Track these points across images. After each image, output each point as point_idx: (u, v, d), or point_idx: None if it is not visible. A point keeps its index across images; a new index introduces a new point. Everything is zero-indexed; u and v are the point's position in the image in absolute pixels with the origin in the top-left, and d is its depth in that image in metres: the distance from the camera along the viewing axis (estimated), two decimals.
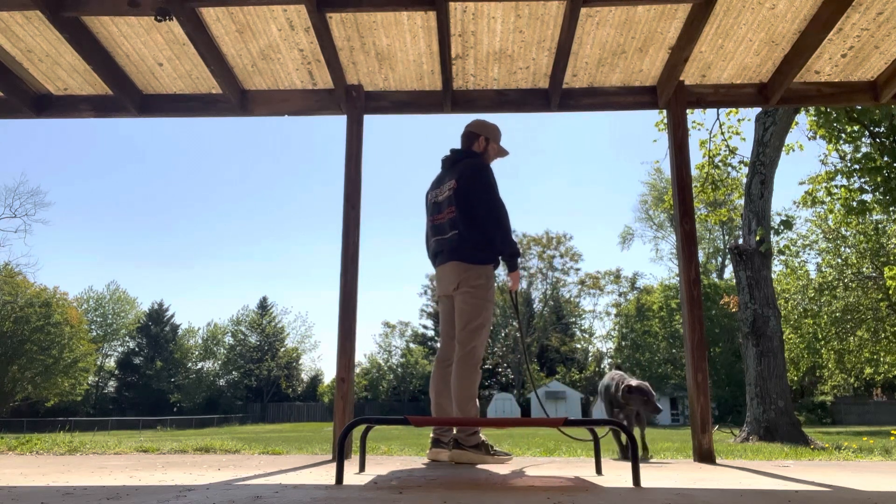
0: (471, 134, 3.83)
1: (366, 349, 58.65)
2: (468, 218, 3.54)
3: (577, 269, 50.75)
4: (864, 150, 9.93)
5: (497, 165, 3.94)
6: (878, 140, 9.68)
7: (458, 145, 3.88)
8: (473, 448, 3.44)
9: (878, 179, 9.54)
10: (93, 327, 49.60)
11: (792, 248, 19.82)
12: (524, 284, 51.77)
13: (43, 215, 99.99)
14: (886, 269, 16.18)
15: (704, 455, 3.83)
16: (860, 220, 13.41)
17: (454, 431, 3.51)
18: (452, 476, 2.89)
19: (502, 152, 3.88)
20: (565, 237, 50.58)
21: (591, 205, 79.89)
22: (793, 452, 5.46)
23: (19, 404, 39.81)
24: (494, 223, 3.51)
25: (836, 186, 10.63)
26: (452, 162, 3.77)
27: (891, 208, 10.25)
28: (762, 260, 11.06)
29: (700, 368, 3.94)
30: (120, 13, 3.56)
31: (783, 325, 18.23)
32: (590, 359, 50.84)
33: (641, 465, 3.01)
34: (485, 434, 3.58)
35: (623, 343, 44.80)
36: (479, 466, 3.33)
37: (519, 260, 3.64)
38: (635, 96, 4.38)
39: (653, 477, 2.90)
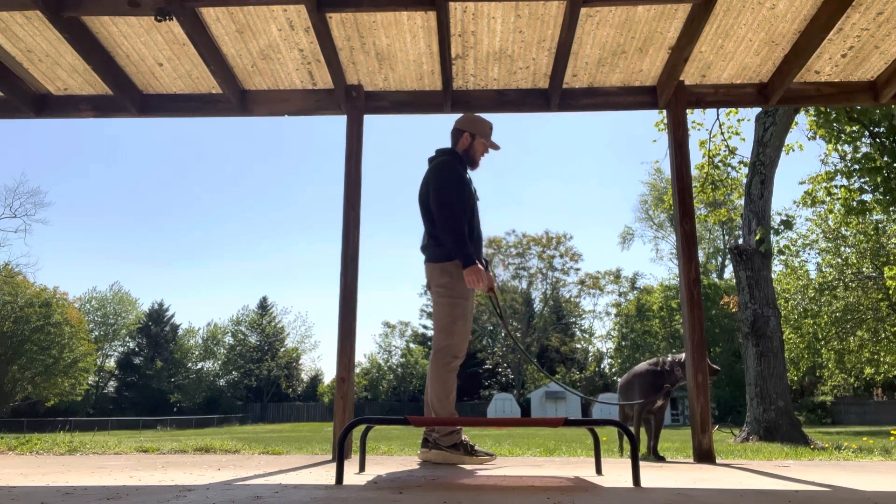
0: (456, 131, 3.79)
1: (366, 349, 58.71)
2: (428, 217, 3.58)
3: (577, 269, 50.83)
4: (864, 150, 9.93)
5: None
6: (878, 140, 9.68)
7: None
8: (451, 448, 3.43)
9: (878, 179, 9.53)
10: (93, 327, 49.63)
11: (792, 248, 19.80)
12: (524, 284, 51.77)
13: (43, 215, 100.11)
14: (886, 269, 16.19)
15: (704, 455, 3.83)
16: (860, 220, 13.41)
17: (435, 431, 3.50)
18: (452, 476, 2.89)
19: (492, 146, 3.82)
20: (565, 237, 50.66)
21: (590, 205, 79.93)
22: (793, 452, 5.46)
23: (19, 404, 39.80)
24: (438, 219, 3.46)
25: (836, 186, 10.63)
26: (429, 163, 3.79)
27: (891, 208, 10.25)
28: (762, 260, 11.05)
29: (700, 368, 3.94)
30: (120, 13, 3.56)
31: (783, 325, 18.22)
32: (590, 359, 50.84)
33: (641, 465, 3.01)
34: (467, 434, 3.56)
35: (623, 343, 44.78)
36: (471, 467, 3.33)
37: (488, 257, 3.51)
38: (635, 96, 4.38)
39: (653, 477, 2.90)
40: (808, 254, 21.21)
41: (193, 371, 52.88)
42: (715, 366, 4.08)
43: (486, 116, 3.91)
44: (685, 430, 20.37)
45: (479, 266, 3.38)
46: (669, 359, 4.20)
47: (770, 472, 3.21)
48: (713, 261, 46.74)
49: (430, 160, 3.78)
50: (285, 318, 66.46)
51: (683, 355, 4.17)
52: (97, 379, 49.85)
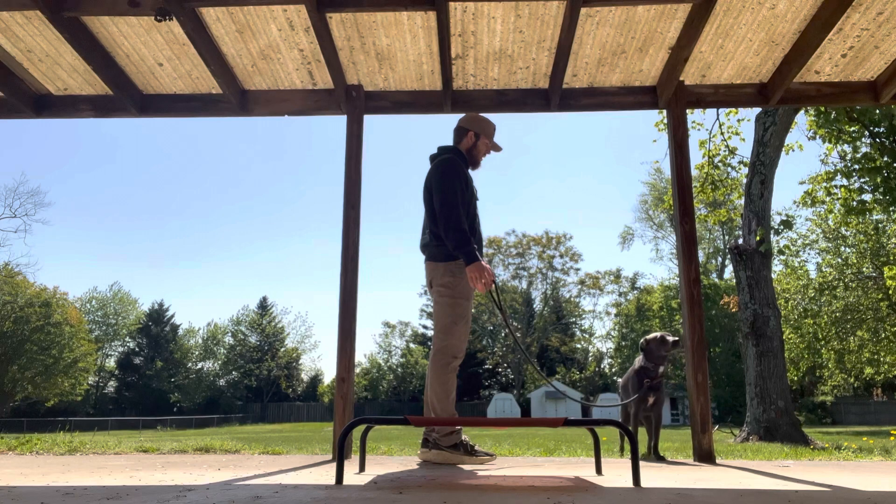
0: (460, 129, 3.78)
1: (366, 349, 58.74)
2: (431, 216, 3.56)
3: (577, 269, 50.84)
4: (864, 150, 9.93)
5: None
6: (878, 140, 9.68)
7: None
8: (450, 448, 3.43)
9: (878, 179, 9.53)
10: (93, 327, 49.64)
11: (792, 248, 19.82)
12: (524, 284, 51.75)
13: (43, 215, 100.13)
14: (886, 269, 16.20)
15: (704, 455, 3.83)
16: (860, 220, 13.42)
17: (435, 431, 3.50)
18: (452, 476, 2.89)
19: (495, 147, 3.82)
20: (565, 237, 50.67)
21: (590, 205, 79.93)
22: (793, 452, 5.46)
23: (19, 404, 39.81)
24: (440, 217, 3.43)
25: (836, 186, 10.63)
26: (431, 160, 3.77)
27: (891, 208, 10.25)
28: (762, 260, 11.05)
29: (700, 368, 3.94)
30: (120, 13, 3.56)
31: (783, 325, 18.23)
32: (590, 359, 50.84)
33: (641, 465, 3.01)
34: (467, 434, 3.55)
35: (623, 343, 44.79)
36: (471, 467, 3.33)
37: (483, 255, 3.43)
38: (635, 96, 4.38)
39: (653, 477, 2.90)
40: (808, 254, 21.25)
41: (193, 371, 52.87)
42: (673, 338, 4.02)
43: (487, 117, 3.91)
44: (685, 430, 20.36)
45: (482, 263, 3.36)
46: (638, 358, 4.17)
47: (770, 472, 3.21)
48: (713, 261, 46.74)
49: (432, 157, 3.76)
50: (285, 318, 66.56)
51: (644, 345, 4.12)
52: (97, 379, 49.87)
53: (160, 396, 49.10)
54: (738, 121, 11.35)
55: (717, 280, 42.62)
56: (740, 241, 11.49)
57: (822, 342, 20.35)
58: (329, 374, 59.05)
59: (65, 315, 38.99)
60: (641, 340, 4.14)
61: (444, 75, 4.12)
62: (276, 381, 53.30)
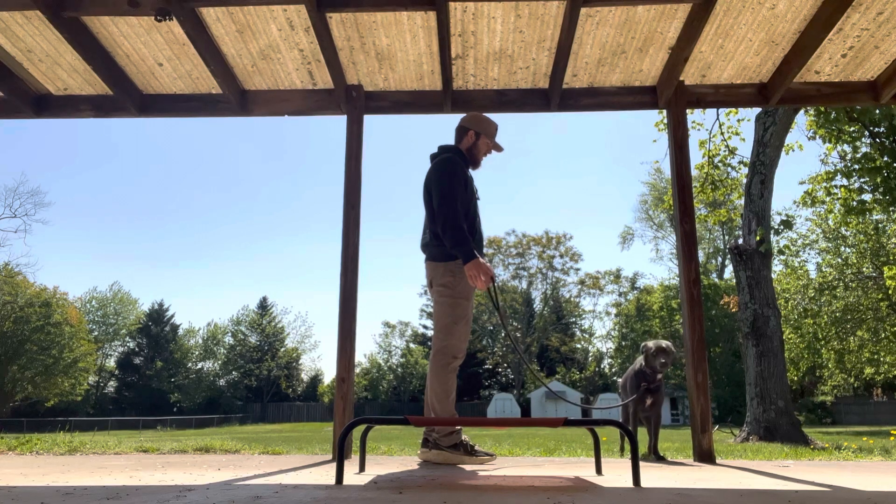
0: (461, 128, 3.77)
1: (366, 349, 58.73)
2: (431, 215, 3.54)
3: (577, 269, 50.84)
4: (864, 150, 9.93)
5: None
6: (877, 140, 9.68)
7: None
8: (451, 448, 3.43)
9: (878, 179, 9.54)
10: (93, 327, 49.65)
11: (792, 247, 19.81)
12: (524, 284, 51.76)
13: (43, 215, 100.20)
14: (886, 268, 16.19)
15: (704, 455, 3.83)
16: (860, 220, 13.41)
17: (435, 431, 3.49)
18: (452, 476, 2.89)
19: (496, 147, 3.80)
20: (565, 237, 50.67)
21: (590, 205, 79.94)
22: (793, 452, 5.46)
23: (19, 404, 39.82)
24: (438, 216, 3.41)
25: (835, 186, 10.63)
26: (432, 159, 3.75)
27: (891, 208, 10.26)
28: (762, 260, 11.05)
29: (700, 368, 3.94)
30: (120, 13, 3.56)
31: (783, 325, 18.22)
32: (590, 359, 50.85)
33: (641, 465, 3.01)
34: (467, 434, 3.54)
35: (623, 343, 44.79)
36: (471, 467, 3.32)
37: (483, 254, 3.42)
38: (635, 96, 4.38)
39: (653, 477, 2.90)
40: (808, 254, 21.26)
41: (193, 371, 52.87)
42: (672, 352, 3.99)
43: (489, 116, 3.89)
44: (685, 430, 20.36)
45: (480, 260, 3.33)
46: (638, 360, 4.15)
47: (770, 472, 3.21)
48: (713, 261, 46.75)
49: (433, 157, 3.75)
50: (285, 318, 66.50)
51: (647, 352, 4.07)
52: (97, 379, 49.87)
53: (160, 396, 49.10)
54: (738, 121, 11.36)
55: (717, 280, 42.62)
56: (740, 241, 11.49)
57: (822, 342, 20.35)
58: (329, 374, 59.12)
59: (65, 315, 39.00)
60: (643, 346, 4.12)
61: (444, 75, 4.12)
62: (276, 381, 53.28)
